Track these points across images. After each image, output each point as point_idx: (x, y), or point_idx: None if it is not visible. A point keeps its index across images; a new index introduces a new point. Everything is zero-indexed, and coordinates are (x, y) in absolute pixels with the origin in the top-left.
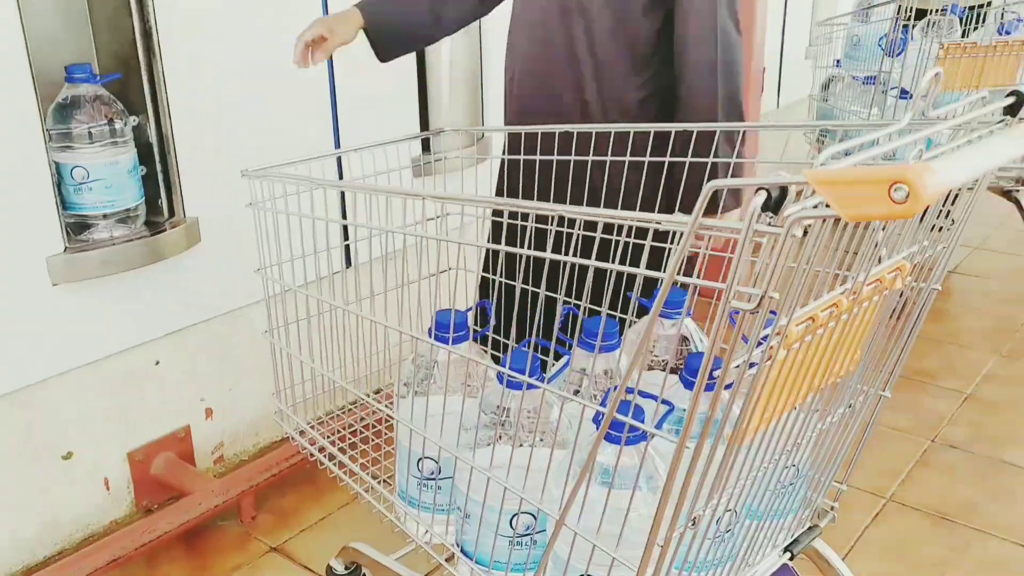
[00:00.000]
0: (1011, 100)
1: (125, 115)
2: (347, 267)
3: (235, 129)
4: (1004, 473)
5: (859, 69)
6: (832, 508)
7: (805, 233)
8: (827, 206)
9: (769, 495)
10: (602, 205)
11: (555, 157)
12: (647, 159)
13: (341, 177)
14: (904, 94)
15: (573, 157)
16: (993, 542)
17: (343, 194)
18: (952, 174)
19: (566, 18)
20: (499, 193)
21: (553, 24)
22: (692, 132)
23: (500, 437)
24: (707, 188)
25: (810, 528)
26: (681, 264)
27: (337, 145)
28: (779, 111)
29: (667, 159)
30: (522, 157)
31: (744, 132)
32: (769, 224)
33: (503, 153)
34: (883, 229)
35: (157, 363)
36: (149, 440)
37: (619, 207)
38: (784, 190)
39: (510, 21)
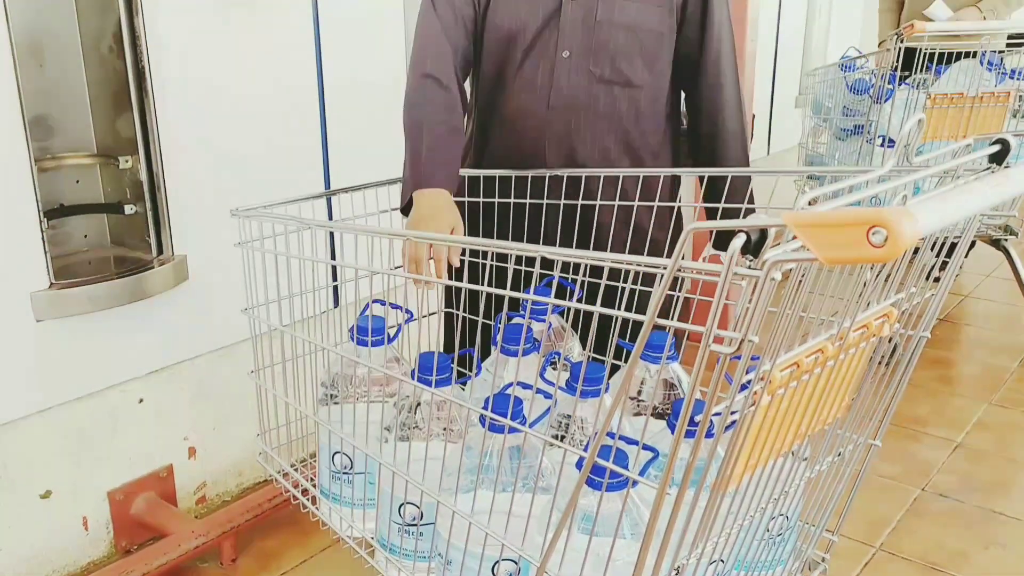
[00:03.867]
0: (996, 148)
1: None
2: (335, 307)
3: (226, 168)
4: (994, 523)
5: (846, 120)
6: (823, 560)
7: (787, 277)
8: (806, 249)
9: (757, 545)
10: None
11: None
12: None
13: (331, 218)
14: (890, 143)
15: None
16: None
17: (331, 235)
18: (931, 219)
19: (609, 95)
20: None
21: (597, 99)
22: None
23: (483, 482)
24: (687, 231)
25: None
26: (674, 306)
27: (327, 186)
28: (769, 158)
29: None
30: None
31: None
32: (749, 267)
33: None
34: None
35: (141, 401)
36: (130, 479)
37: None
38: (764, 233)
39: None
